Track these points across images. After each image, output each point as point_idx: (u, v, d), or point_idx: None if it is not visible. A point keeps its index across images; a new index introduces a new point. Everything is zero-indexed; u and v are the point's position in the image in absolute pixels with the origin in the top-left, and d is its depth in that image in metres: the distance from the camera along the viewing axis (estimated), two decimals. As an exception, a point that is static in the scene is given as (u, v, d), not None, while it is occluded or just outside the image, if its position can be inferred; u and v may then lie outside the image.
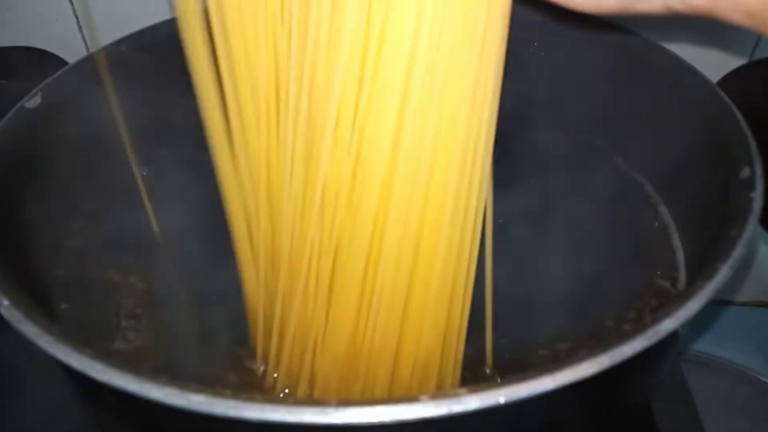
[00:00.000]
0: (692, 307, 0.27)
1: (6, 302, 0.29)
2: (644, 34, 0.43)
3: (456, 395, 0.24)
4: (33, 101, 0.41)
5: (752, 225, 0.31)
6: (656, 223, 0.41)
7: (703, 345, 0.60)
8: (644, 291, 0.39)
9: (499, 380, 0.24)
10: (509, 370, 0.37)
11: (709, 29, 0.49)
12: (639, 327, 0.26)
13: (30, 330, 0.27)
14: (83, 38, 0.52)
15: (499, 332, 0.36)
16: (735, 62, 0.50)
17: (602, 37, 0.43)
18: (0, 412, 0.43)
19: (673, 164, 0.41)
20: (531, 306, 0.40)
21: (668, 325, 0.27)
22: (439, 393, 0.24)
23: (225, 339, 0.39)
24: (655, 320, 0.27)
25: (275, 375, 0.36)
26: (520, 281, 0.40)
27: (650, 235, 0.41)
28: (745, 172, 0.33)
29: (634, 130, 0.44)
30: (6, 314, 0.28)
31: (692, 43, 0.49)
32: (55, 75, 0.42)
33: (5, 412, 0.43)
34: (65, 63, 0.43)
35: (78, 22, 0.51)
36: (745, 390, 0.57)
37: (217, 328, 0.40)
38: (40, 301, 0.33)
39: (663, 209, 0.42)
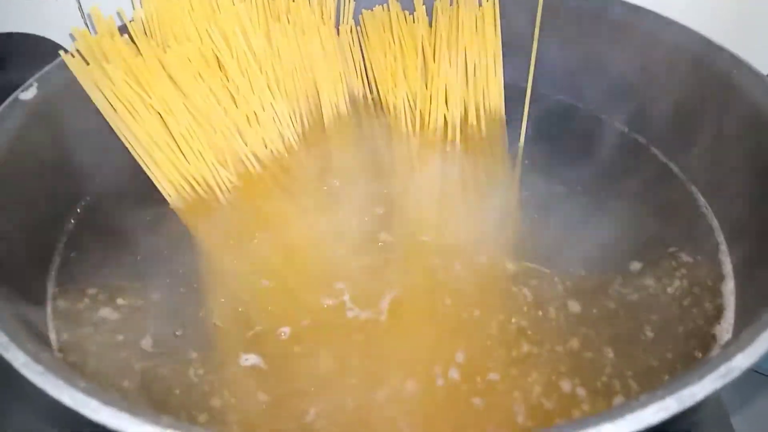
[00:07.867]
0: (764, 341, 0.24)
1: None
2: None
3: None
4: (28, 92, 0.38)
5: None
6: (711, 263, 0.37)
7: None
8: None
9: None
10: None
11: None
12: (709, 366, 0.23)
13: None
14: (86, 23, 0.48)
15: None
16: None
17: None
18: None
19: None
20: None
21: (741, 361, 0.24)
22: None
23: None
24: (726, 357, 0.23)
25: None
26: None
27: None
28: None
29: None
30: (28, 374, 0.25)
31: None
32: (53, 64, 0.39)
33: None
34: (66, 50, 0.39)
35: (80, 4, 0.48)
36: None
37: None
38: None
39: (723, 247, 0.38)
